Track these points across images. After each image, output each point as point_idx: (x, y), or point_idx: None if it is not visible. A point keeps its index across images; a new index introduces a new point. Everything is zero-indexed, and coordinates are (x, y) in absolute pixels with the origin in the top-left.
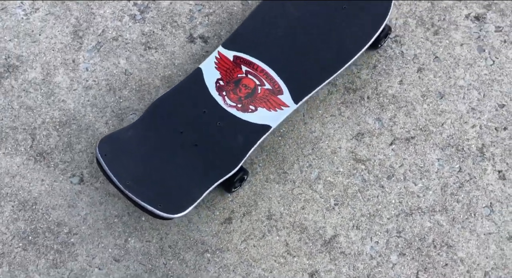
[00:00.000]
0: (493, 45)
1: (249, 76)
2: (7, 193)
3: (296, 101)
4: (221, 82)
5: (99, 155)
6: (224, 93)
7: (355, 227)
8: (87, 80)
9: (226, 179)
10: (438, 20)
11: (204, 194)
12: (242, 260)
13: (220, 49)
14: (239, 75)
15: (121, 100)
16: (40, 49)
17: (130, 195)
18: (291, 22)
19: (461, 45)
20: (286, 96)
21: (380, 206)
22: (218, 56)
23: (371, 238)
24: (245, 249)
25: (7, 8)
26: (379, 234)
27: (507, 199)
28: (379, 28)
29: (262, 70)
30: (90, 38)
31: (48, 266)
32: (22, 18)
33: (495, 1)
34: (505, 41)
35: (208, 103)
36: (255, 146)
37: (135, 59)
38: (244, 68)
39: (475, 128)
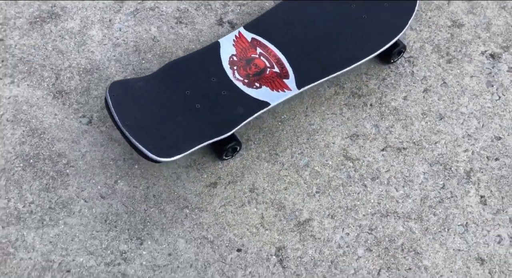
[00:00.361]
0: (502, 83)
1: (262, 58)
2: (21, 119)
3: (299, 87)
4: (235, 58)
5: (108, 94)
6: (235, 67)
7: (330, 216)
8: (117, 39)
9: (218, 144)
10: (454, 51)
11: (192, 149)
12: (217, 222)
13: (241, 29)
14: (252, 55)
15: (143, 61)
16: (83, 4)
17: (126, 133)
18: (312, 21)
19: (471, 77)
20: (291, 81)
21: (358, 202)
22: (238, 36)
23: (343, 229)
24: (222, 213)
25: None
26: (352, 227)
27: (483, 223)
28: (388, 43)
29: (275, 55)
30: (130, 4)
31: (41, 188)
32: None
33: None
34: None
35: (218, 73)
36: (250, 118)
37: (165, 30)
38: (258, 50)
39: (467, 153)
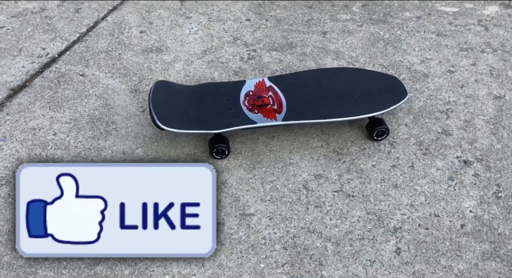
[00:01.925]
0: (462, 181)
1: (269, 98)
2: (104, 97)
3: (283, 120)
4: (251, 93)
5: (154, 84)
6: (247, 98)
7: (269, 218)
8: (189, 72)
9: (210, 143)
10: (433, 149)
11: (186, 131)
12: None
13: (265, 78)
14: (263, 95)
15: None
16: (181, 48)
17: (150, 106)
18: (317, 86)
19: (437, 169)
20: (280, 116)
21: (295, 217)
22: (261, 81)
23: (273, 229)
24: None
25: None
26: (281, 230)
27: (388, 266)
28: (366, 115)
29: (280, 99)
30: (209, 56)
31: (90, 136)
32: None
33: (488, 159)
34: (475, 184)
35: (234, 97)
36: (239, 127)
37: (224, 76)
38: (270, 93)
39: (403, 216)
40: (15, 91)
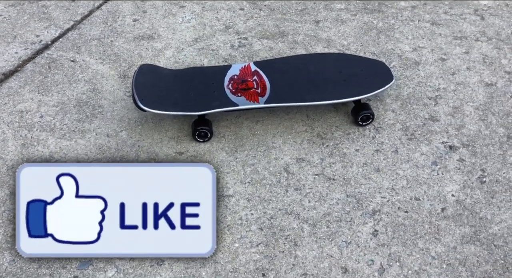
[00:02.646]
0: (446, 166)
1: (254, 82)
2: (92, 82)
3: (265, 103)
4: (235, 77)
5: (139, 67)
6: (231, 82)
7: (247, 199)
8: (179, 59)
9: (193, 125)
10: (419, 134)
11: (167, 112)
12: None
13: (251, 63)
14: (248, 79)
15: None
16: (173, 36)
17: (133, 86)
18: (303, 70)
19: (422, 154)
20: (263, 99)
21: (274, 199)
22: (246, 65)
23: (251, 210)
24: None
25: None
26: (258, 211)
27: (364, 247)
28: (352, 99)
29: (264, 83)
30: (201, 43)
31: (76, 119)
32: None
33: (475, 144)
34: (459, 169)
35: (218, 81)
36: (220, 110)
37: (214, 63)
38: (254, 77)
39: (383, 199)
40: (6, 76)
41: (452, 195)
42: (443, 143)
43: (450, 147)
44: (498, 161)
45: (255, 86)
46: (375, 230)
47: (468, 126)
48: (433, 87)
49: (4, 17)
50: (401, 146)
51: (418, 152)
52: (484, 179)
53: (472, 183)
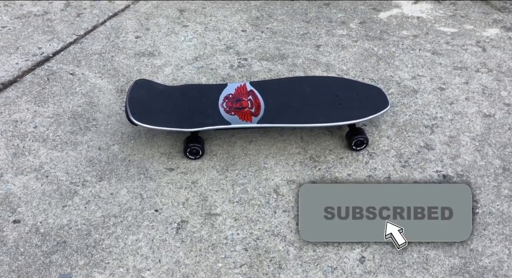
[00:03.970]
0: None
1: (248, 102)
2: (89, 95)
3: (258, 123)
4: (230, 96)
5: (134, 81)
6: (226, 100)
7: (234, 219)
8: (178, 77)
9: (185, 142)
10: (413, 162)
11: (158, 127)
12: (156, 190)
13: (247, 82)
14: (243, 98)
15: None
16: (173, 54)
17: (127, 100)
18: (298, 93)
19: (415, 182)
20: (256, 119)
21: (261, 220)
22: (242, 85)
23: (237, 230)
24: (163, 186)
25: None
26: (244, 231)
27: (350, 274)
28: (346, 123)
29: (259, 103)
30: (200, 63)
31: (69, 131)
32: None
33: (469, 175)
34: None
35: (213, 99)
36: (211, 128)
37: (212, 81)
38: (249, 97)
39: None
40: (5, 86)
41: None
42: (437, 171)
43: (444, 176)
44: (492, 193)
45: (249, 106)
46: (362, 257)
47: (464, 156)
48: (430, 116)
49: (9, 29)
50: (394, 172)
51: (411, 179)
52: (477, 210)
53: None
